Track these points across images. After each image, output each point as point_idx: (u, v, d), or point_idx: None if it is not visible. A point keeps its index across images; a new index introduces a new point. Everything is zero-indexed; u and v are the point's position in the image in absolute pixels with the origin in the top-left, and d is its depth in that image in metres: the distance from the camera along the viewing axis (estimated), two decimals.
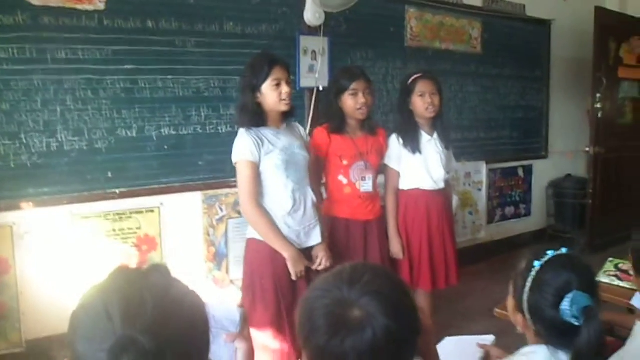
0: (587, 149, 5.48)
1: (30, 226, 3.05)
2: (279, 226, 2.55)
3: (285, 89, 2.52)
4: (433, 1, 4.73)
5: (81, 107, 3.14)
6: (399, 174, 3.11)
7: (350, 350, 0.94)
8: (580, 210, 5.70)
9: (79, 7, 3.08)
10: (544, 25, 5.68)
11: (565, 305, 1.27)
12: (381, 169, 3.17)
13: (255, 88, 2.51)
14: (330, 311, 0.97)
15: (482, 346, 1.69)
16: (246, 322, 1.34)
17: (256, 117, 2.54)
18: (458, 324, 3.65)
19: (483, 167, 5.27)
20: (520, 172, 5.78)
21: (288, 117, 2.69)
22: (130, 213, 3.37)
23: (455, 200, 4.78)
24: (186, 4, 3.45)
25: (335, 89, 2.92)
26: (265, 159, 2.52)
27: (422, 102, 3.03)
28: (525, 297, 1.37)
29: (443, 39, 4.86)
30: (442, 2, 4.81)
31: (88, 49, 3.13)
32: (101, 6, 3.15)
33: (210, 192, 3.61)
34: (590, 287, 1.32)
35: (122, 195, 3.32)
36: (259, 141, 2.51)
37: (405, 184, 3.11)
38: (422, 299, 3.22)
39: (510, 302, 1.47)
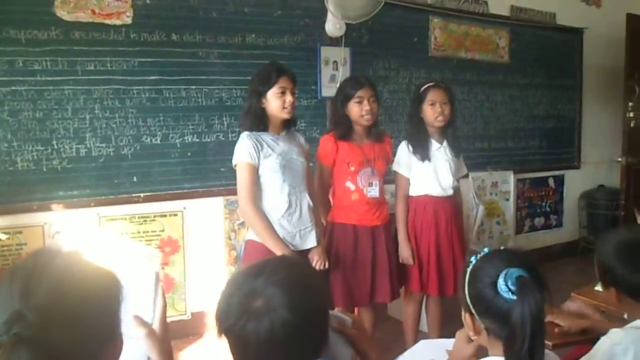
0: (620, 159, 5.35)
1: (60, 226, 3.27)
2: (275, 228, 2.64)
3: (289, 98, 2.63)
4: (458, 11, 4.76)
5: (109, 115, 3.35)
6: (408, 180, 3.14)
7: (251, 336, 1.03)
8: (612, 222, 5.52)
9: (108, 21, 3.30)
10: (575, 33, 5.58)
11: (500, 282, 1.24)
12: (390, 176, 3.22)
13: (261, 94, 2.63)
14: (242, 297, 1.06)
15: (450, 352, 1.71)
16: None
17: (258, 122, 2.65)
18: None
19: (510, 177, 5.23)
20: (551, 183, 5.69)
21: (289, 125, 2.79)
22: (154, 216, 3.55)
23: (480, 210, 4.80)
24: (209, 18, 3.62)
25: (342, 97, 2.97)
26: (264, 162, 2.62)
27: (432, 111, 3.06)
28: (466, 290, 1.35)
29: (468, 48, 4.88)
30: (468, 12, 4.83)
31: (116, 61, 3.34)
32: (128, 21, 3.36)
33: (232, 197, 3.69)
34: (527, 268, 1.27)
35: (147, 199, 3.51)
36: (258, 145, 2.61)
37: (414, 191, 3.14)
38: (432, 305, 3.27)
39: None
